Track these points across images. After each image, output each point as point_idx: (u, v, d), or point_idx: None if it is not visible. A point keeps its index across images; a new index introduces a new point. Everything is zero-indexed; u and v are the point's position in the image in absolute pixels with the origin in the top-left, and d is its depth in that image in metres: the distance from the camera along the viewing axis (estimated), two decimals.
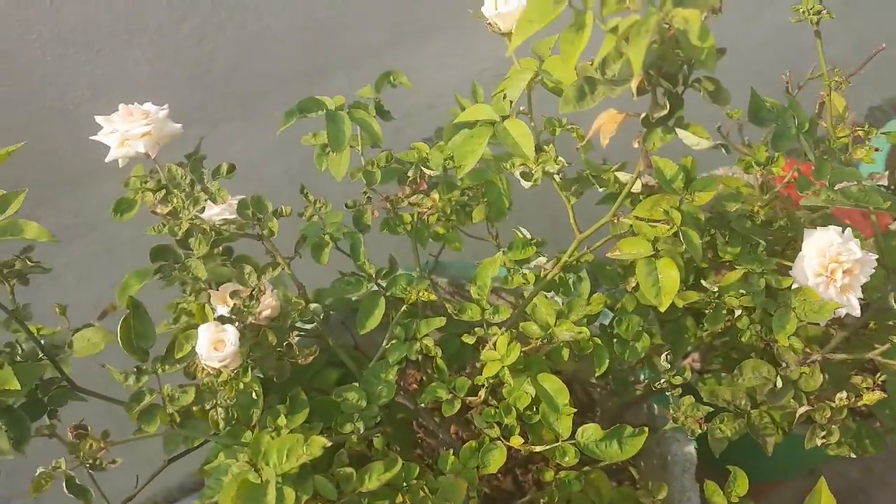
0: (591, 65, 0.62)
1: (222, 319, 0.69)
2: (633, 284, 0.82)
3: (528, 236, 0.86)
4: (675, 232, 0.67)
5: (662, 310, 0.68)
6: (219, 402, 0.68)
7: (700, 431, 0.75)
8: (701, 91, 0.58)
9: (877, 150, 0.95)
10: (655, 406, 1.05)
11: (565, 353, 0.82)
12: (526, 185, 0.73)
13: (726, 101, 0.57)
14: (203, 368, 0.67)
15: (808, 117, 0.76)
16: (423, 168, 0.85)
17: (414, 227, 0.94)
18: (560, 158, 0.72)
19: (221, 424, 0.68)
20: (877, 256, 0.80)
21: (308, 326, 0.90)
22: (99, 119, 0.90)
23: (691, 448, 1.03)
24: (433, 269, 1.09)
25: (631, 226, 0.73)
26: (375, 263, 0.92)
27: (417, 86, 1.73)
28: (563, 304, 0.79)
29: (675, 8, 0.49)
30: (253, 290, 0.69)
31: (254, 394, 0.69)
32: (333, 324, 0.99)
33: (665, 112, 0.57)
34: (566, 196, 0.77)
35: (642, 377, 0.97)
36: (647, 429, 0.75)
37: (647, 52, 0.57)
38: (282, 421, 0.71)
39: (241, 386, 0.68)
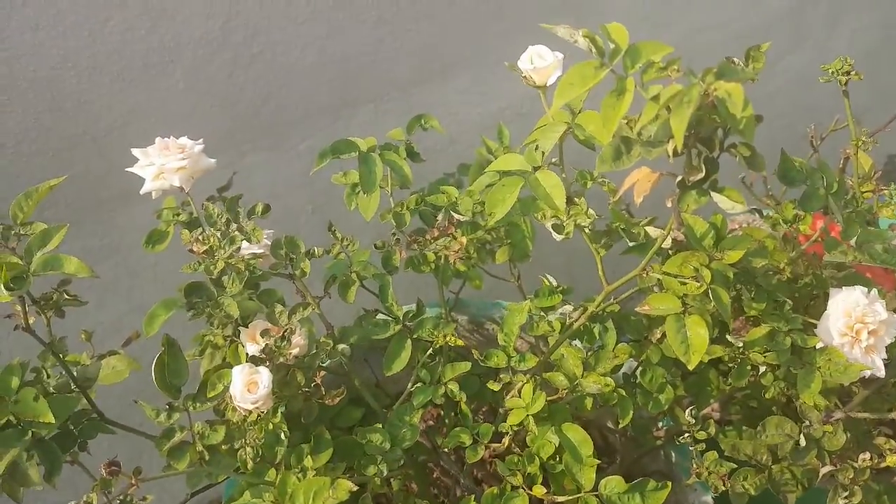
0: (627, 124, 0.64)
1: (254, 360, 0.69)
2: (658, 336, 0.83)
3: (555, 284, 0.86)
4: (704, 290, 0.68)
5: (690, 368, 0.68)
6: (248, 441, 0.69)
7: (724, 488, 0.76)
8: (737, 157, 0.59)
9: None
10: (673, 454, 1.05)
11: (589, 402, 0.83)
12: (558, 237, 0.74)
13: (761, 168, 0.58)
14: (234, 408, 0.68)
15: (835, 177, 0.77)
16: (452, 213, 0.86)
17: (438, 267, 0.95)
18: (591, 211, 0.73)
19: (250, 464, 0.69)
20: None
21: (328, 362, 0.91)
22: (135, 151, 0.92)
23: (709, 498, 1.03)
24: (453, 306, 1.10)
25: (659, 280, 0.74)
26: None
27: (441, 121, 1.75)
28: (587, 352, 0.79)
29: (718, 80, 0.50)
30: (285, 330, 0.70)
31: (282, 434, 0.70)
32: (354, 360, 1.00)
33: (701, 176, 0.58)
34: (595, 248, 0.78)
35: (661, 425, 0.97)
36: (669, 483, 0.75)
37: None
38: (308, 462, 0.71)
39: (271, 426, 0.68)
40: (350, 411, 0.89)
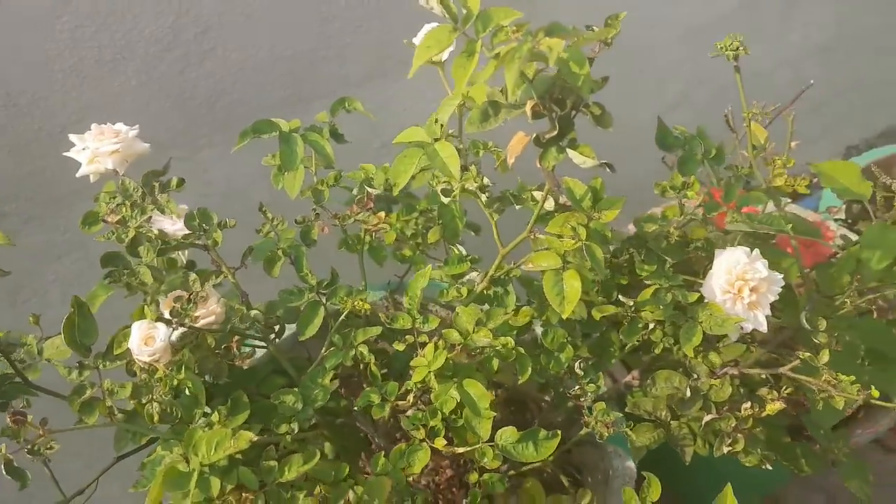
0: (501, 91, 0.68)
1: (162, 320, 0.74)
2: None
3: (464, 253, 0.91)
4: (581, 246, 0.72)
5: (565, 316, 0.72)
6: (154, 397, 0.73)
7: (608, 434, 0.80)
8: (588, 115, 0.63)
9: (813, 181, 1.01)
10: None
11: (495, 363, 0.87)
12: (445, 199, 0.78)
13: (608, 125, 0.62)
14: (139, 365, 0.73)
15: (713, 144, 0.81)
16: (367, 187, 0.91)
17: (370, 246, 1.00)
18: (484, 178, 0.78)
19: (156, 418, 0.73)
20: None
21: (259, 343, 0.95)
22: (72, 137, 0.96)
23: (631, 463, 1.07)
24: (396, 288, 1.15)
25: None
26: (351, 281, 0.98)
27: (395, 117, 1.80)
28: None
29: (546, 37, 0.55)
30: (190, 294, 0.74)
31: (187, 391, 0.74)
32: (291, 340, 1.04)
33: (554, 133, 0.63)
34: (490, 213, 0.82)
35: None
36: (559, 432, 0.79)
37: (541, 81, 0.64)
38: (215, 417, 0.76)
39: (176, 382, 0.73)
40: (274, 380, 0.93)
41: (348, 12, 1.57)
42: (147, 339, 0.72)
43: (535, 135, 0.64)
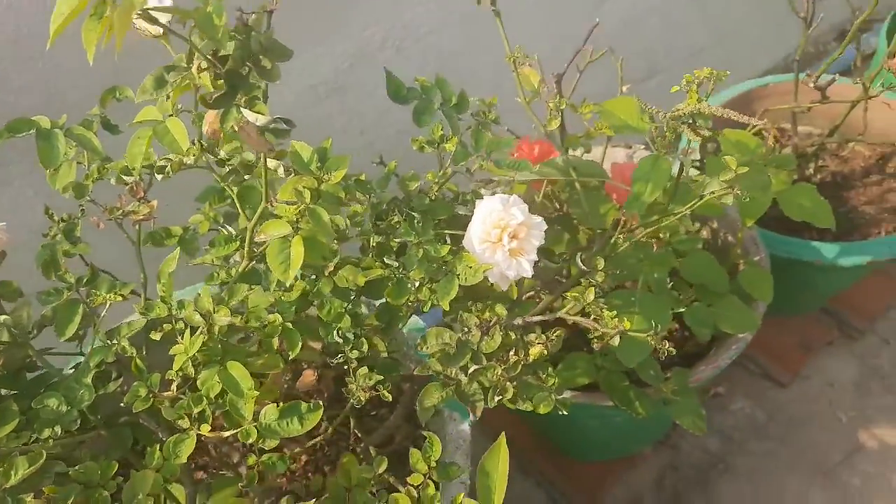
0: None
1: None
2: (331, 269, 0.85)
3: (233, 233, 0.88)
4: (303, 210, 0.70)
5: (288, 284, 0.70)
6: None
7: (364, 398, 0.78)
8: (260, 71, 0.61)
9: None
10: None
11: (274, 341, 0.85)
12: (158, 177, 0.76)
13: (275, 78, 0.60)
14: None
15: (453, 92, 0.79)
16: (123, 176, 0.87)
17: (181, 238, 0.97)
18: (207, 154, 0.75)
19: None
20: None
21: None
22: None
23: (466, 426, 1.05)
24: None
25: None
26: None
27: None
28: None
29: None
30: None
31: None
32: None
33: (221, 93, 0.60)
34: (225, 186, 0.79)
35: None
36: (321, 403, 0.77)
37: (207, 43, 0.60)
38: None
39: None
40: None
41: None
42: None
43: (201, 94, 0.61)
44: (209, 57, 0.59)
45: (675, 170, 1.28)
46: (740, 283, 1.14)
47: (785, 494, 1.54)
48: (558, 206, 1.11)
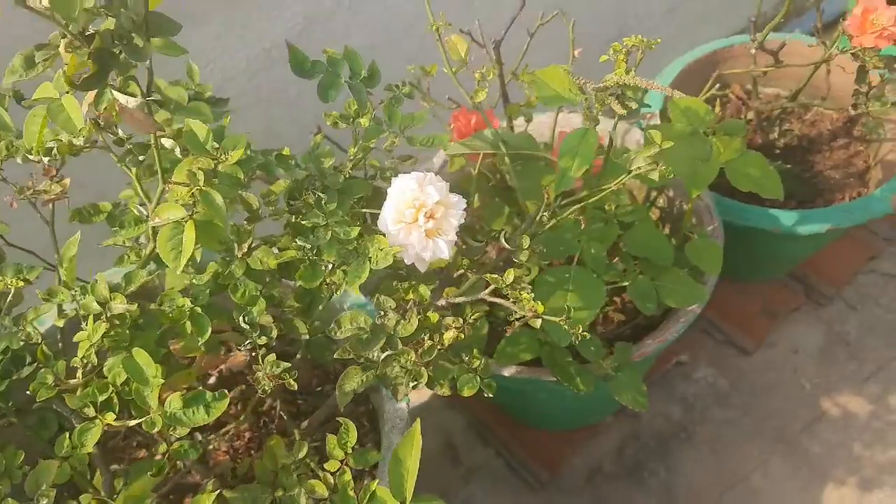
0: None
1: None
2: (244, 250, 0.82)
3: (144, 214, 0.85)
4: (195, 193, 0.66)
5: (178, 272, 0.67)
6: None
7: (275, 385, 0.76)
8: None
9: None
10: None
11: (187, 326, 0.82)
12: (45, 159, 0.72)
13: (144, 58, 0.56)
14: None
15: (363, 65, 0.75)
16: (28, 155, 0.84)
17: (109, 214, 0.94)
18: (104, 132, 0.71)
19: None
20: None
21: None
22: None
23: (403, 405, 1.03)
24: None
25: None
26: None
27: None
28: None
29: None
30: None
31: None
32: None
33: (91, 73, 0.56)
34: (123, 166, 0.76)
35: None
36: (227, 391, 0.74)
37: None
38: None
39: None
40: None
41: None
42: None
43: (65, 76, 0.57)
44: (75, 35, 0.55)
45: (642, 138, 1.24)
46: (687, 254, 1.10)
47: (746, 462, 1.53)
48: (500, 178, 1.08)
